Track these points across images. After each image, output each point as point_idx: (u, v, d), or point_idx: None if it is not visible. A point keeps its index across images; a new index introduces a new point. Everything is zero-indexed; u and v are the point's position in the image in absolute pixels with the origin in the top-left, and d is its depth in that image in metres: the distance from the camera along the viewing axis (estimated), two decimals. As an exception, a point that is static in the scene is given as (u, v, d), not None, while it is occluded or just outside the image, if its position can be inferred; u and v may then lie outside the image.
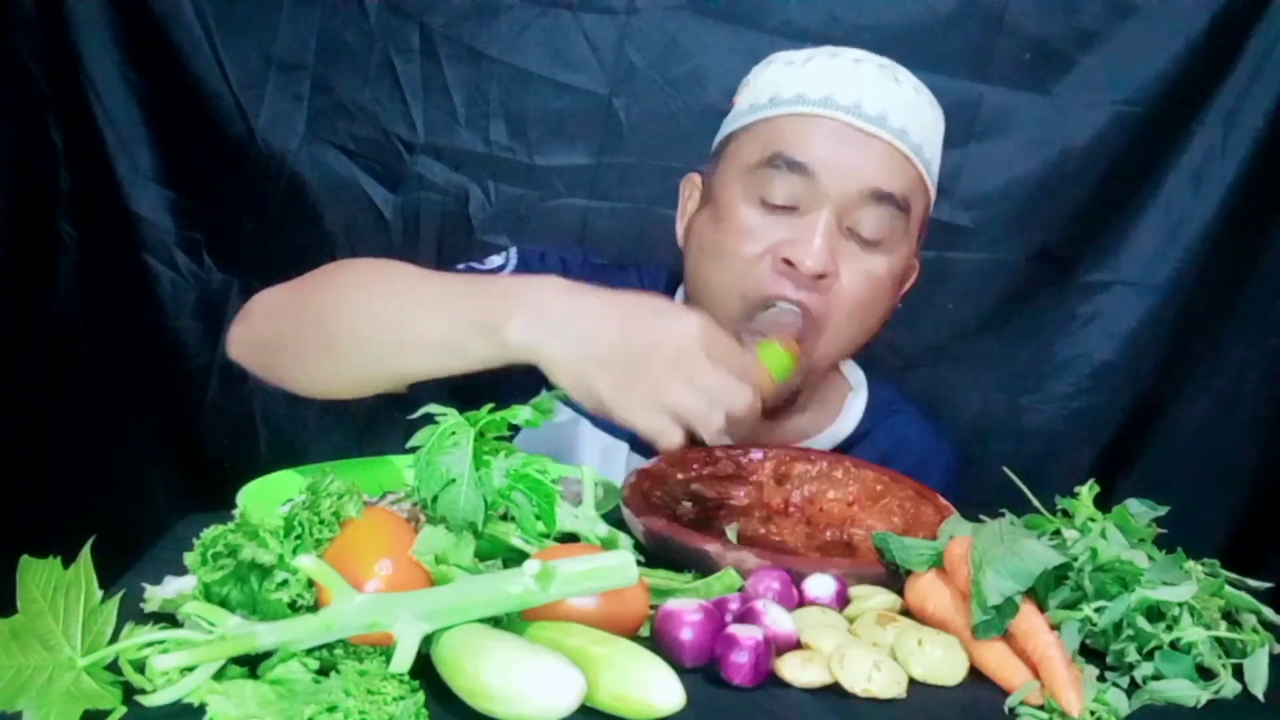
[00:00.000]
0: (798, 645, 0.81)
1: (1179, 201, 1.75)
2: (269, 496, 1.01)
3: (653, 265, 1.39)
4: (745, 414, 0.95)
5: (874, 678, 0.76)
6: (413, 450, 0.84)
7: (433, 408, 0.85)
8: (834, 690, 0.77)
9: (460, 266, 1.28)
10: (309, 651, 0.71)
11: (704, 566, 0.92)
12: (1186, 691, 0.79)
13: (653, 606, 0.82)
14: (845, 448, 1.30)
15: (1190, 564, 0.89)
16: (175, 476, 1.89)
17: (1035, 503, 0.97)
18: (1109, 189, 1.74)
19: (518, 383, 1.19)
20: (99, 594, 0.73)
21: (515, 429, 0.87)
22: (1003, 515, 0.92)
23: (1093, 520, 0.93)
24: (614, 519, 0.93)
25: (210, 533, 0.77)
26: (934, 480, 1.15)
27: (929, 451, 1.36)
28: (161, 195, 1.81)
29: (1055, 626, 0.82)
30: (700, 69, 1.72)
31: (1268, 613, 0.87)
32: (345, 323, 1.07)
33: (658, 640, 0.79)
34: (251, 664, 0.71)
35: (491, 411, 0.86)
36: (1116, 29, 1.70)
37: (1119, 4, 1.69)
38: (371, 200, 1.79)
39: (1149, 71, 1.70)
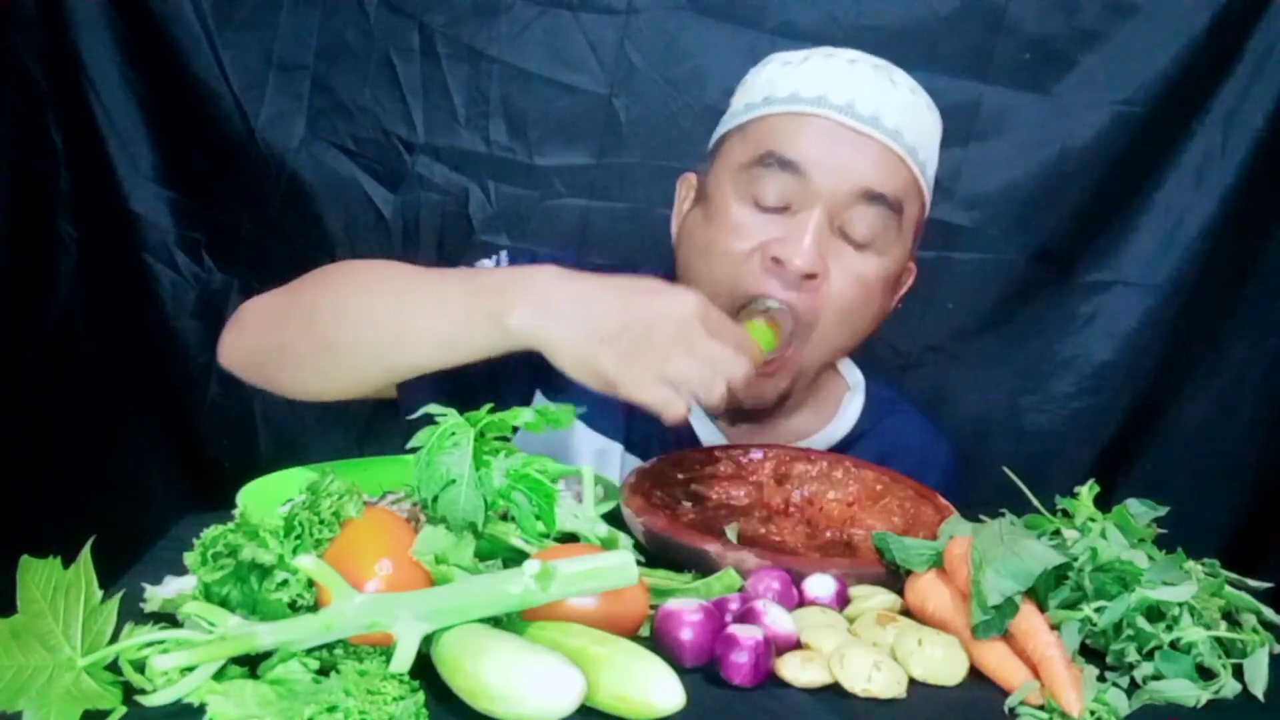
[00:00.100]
0: (798, 645, 0.81)
1: (1179, 201, 1.75)
2: (269, 496, 1.01)
3: (648, 268, 1.39)
4: (742, 384, 0.99)
5: (874, 678, 0.76)
6: (413, 450, 0.84)
7: (433, 408, 0.85)
8: (834, 690, 0.77)
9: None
10: (309, 651, 0.72)
11: (704, 566, 0.92)
12: (1186, 691, 0.79)
13: (653, 606, 0.82)
14: (843, 447, 1.30)
15: (1190, 564, 0.89)
16: (175, 476, 1.89)
17: (1035, 503, 0.97)
18: (1109, 189, 1.74)
19: (512, 385, 1.20)
20: (99, 594, 0.73)
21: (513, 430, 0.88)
22: (1003, 515, 0.92)
23: (1093, 520, 0.93)
24: (614, 519, 0.93)
25: (210, 533, 0.77)
26: (932, 479, 1.15)
27: (927, 450, 1.36)
28: (161, 195, 1.81)
29: (1055, 626, 0.82)
30: (700, 69, 1.72)
31: (1268, 613, 0.88)
32: (344, 322, 1.08)
33: (658, 640, 0.79)
34: (251, 664, 0.71)
35: (491, 413, 0.86)
36: (1116, 29, 1.69)
37: (1119, 4, 1.69)
38: (371, 200, 1.79)
39: (1149, 71, 1.70)
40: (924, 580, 0.89)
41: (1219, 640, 0.84)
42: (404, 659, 0.70)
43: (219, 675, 0.69)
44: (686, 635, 0.78)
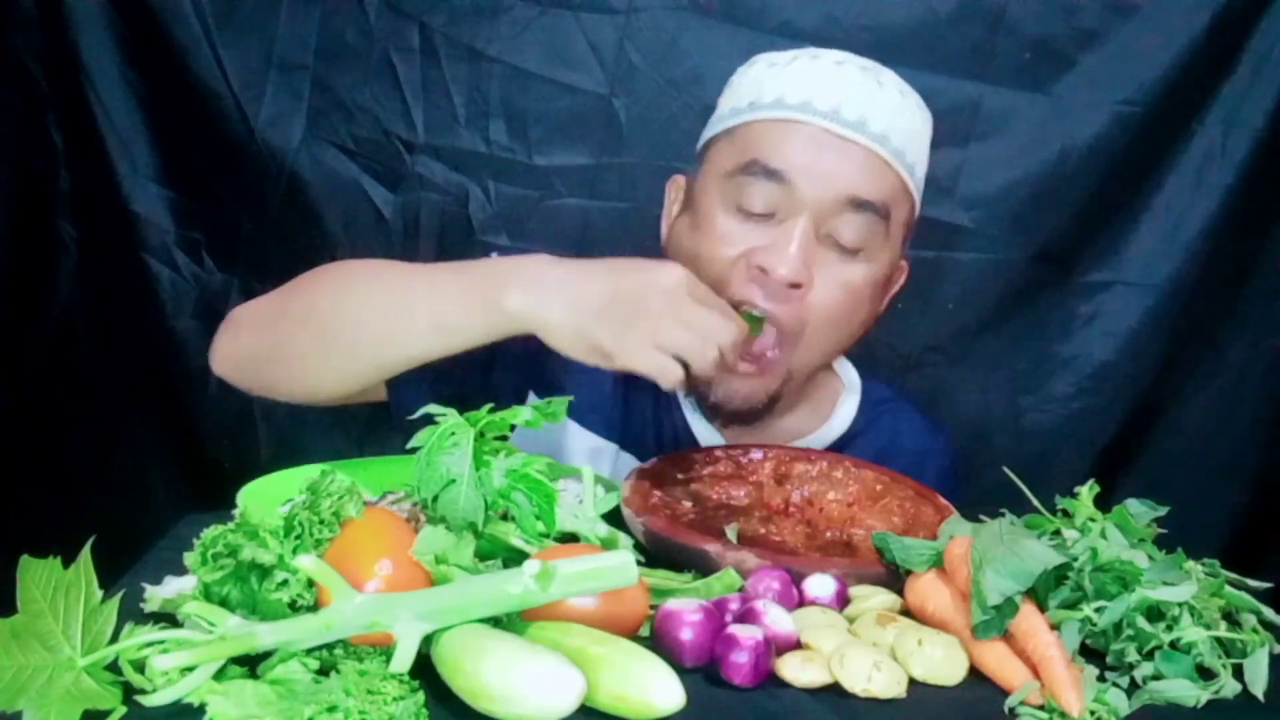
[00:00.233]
0: (798, 645, 0.81)
1: (1179, 201, 1.75)
2: (269, 496, 1.01)
3: None
4: (731, 350, 1.02)
5: (874, 678, 0.76)
6: (413, 450, 0.84)
7: (433, 408, 0.85)
8: (834, 690, 0.77)
9: None
10: (309, 651, 0.72)
11: (704, 566, 0.92)
12: (1186, 691, 0.79)
13: (653, 606, 0.82)
14: (839, 447, 1.30)
15: (1190, 564, 0.89)
16: (175, 476, 1.89)
17: (1035, 503, 0.97)
18: (1109, 189, 1.74)
19: (505, 386, 1.20)
20: (99, 594, 0.73)
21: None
22: (1003, 515, 0.92)
23: (1093, 520, 0.93)
24: (614, 519, 0.93)
25: (210, 533, 0.77)
26: (930, 478, 1.15)
27: (924, 449, 1.36)
28: (161, 195, 1.81)
29: (1055, 626, 0.82)
30: (700, 69, 1.71)
31: (1268, 613, 0.88)
32: (340, 319, 1.09)
33: (658, 640, 0.79)
34: (251, 664, 0.71)
35: (490, 412, 0.86)
36: (1116, 29, 1.69)
37: (1119, 4, 1.69)
38: (371, 200, 1.79)
39: (1149, 71, 1.69)
40: (924, 580, 0.89)
41: (1219, 640, 0.84)
42: (404, 659, 0.70)
43: (219, 675, 0.69)
44: (686, 635, 0.78)
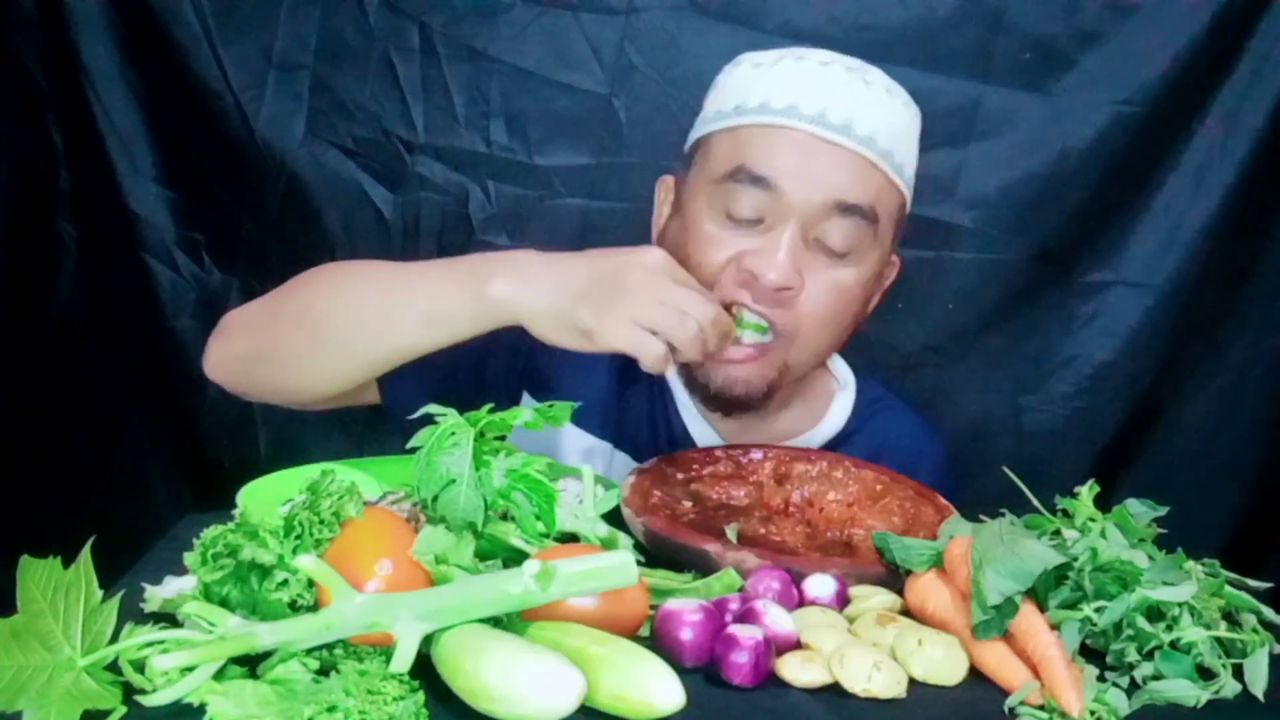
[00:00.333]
0: (798, 645, 0.81)
1: (1179, 201, 1.75)
2: (269, 496, 1.01)
3: None
4: (712, 328, 1.03)
5: (874, 678, 0.76)
6: (413, 450, 0.84)
7: (432, 408, 0.85)
8: (834, 690, 0.77)
9: None
10: (309, 651, 0.72)
11: (704, 566, 0.92)
12: (1186, 691, 0.80)
13: (653, 606, 0.82)
14: (834, 445, 1.30)
15: (1190, 564, 0.89)
16: (175, 476, 1.89)
17: (1035, 503, 0.97)
18: (1109, 189, 1.74)
19: (498, 386, 1.20)
20: (99, 594, 0.73)
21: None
22: (1003, 515, 0.92)
23: (1093, 520, 0.93)
24: (614, 519, 0.93)
25: (210, 533, 0.77)
26: (924, 476, 1.15)
27: (919, 448, 1.36)
28: (161, 195, 1.81)
29: (1055, 626, 0.82)
30: (700, 69, 1.70)
31: (1268, 613, 0.88)
32: (333, 317, 1.11)
33: (658, 640, 0.79)
34: (251, 664, 0.71)
35: (490, 413, 0.86)
36: (1116, 29, 1.69)
37: (1119, 4, 1.69)
38: (371, 200, 1.79)
39: (1149, 71, 1.69)
40: (924, 580, 0.89)
41: (1219, 640, 0.84)
42: (404, 659, 0.70)
43: (219, 675, 0.69)
44: (686, 635, 0.78)
